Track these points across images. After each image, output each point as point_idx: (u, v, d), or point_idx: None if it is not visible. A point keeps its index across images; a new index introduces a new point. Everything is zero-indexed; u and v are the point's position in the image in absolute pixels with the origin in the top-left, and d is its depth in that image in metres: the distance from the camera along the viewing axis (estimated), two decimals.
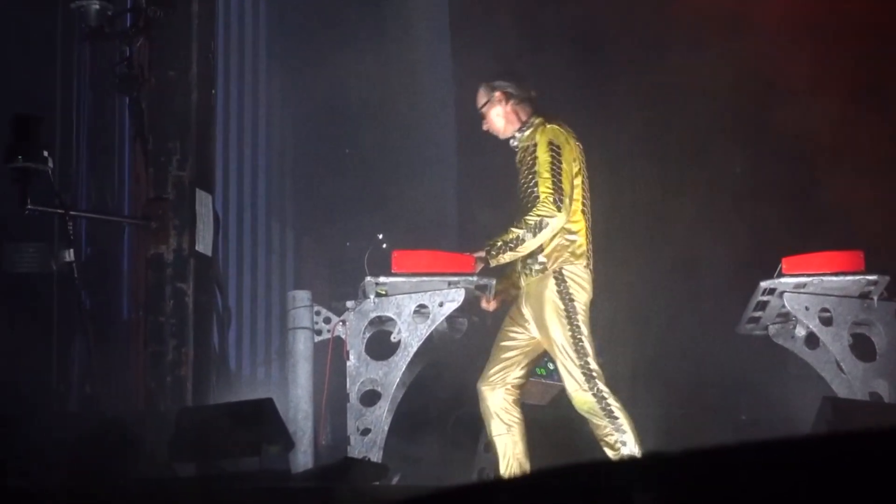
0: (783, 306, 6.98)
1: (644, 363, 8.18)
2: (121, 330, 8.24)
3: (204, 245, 7.44)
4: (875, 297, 6.91)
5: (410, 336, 6.83)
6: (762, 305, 7.11)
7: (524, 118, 6.60)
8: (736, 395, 8.26)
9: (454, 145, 10.03)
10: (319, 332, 7.13)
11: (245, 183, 10.84)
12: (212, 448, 6.15)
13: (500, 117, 6.64)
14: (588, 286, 6.44)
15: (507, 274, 6.73)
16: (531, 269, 6.48)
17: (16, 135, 6.90)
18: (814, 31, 8.68)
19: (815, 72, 8.65)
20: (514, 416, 6.51)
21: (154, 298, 7.32)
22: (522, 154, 6.54)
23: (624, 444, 6.25)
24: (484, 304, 6.82)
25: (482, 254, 6.55)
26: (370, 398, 6.81)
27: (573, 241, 6.44)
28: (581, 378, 6.30)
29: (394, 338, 6.86)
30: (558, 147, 6.43)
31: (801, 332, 7.09)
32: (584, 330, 6.35)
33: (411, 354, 6.83)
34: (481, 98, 6.70)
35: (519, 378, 6.55)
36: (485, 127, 6.71)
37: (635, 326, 8.60)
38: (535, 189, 6.38)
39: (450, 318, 6.99)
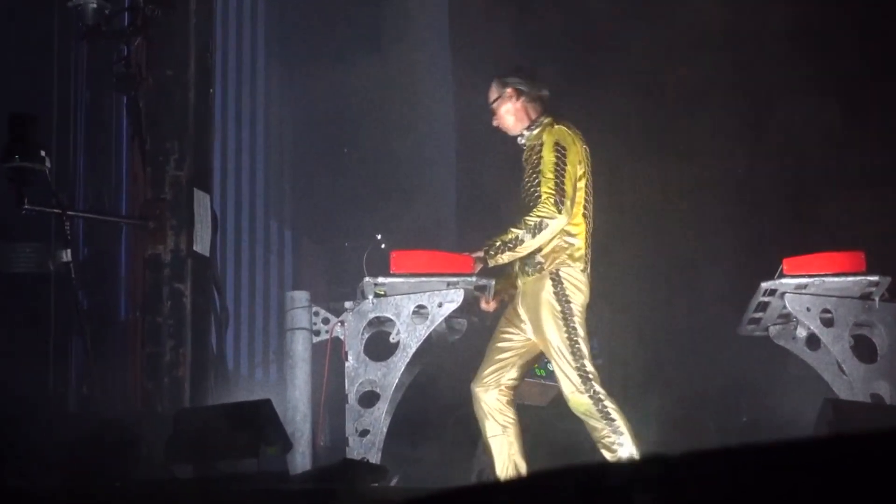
0: (784, 307, 6.96)
1: (644, 364, 8.17)
2: (118, 331, 8.22)
3: (202, 245, 7.43)
4: (876, 298, 6.89)
5: (409, 337, 6.82)
6: (763, 306, 7.09)
7: (533, 116, 6.58)
8: (736, 396, 8.25)
9: (453, 145, 10.01)
10: (318, 333, 7.12)
11: (243, 183, 10.83)
12: (210, 449, 6.13)
13: (509, 114, 6.61)
14: (585, 289, 6.42)
15: (506, 274, 6.71)
16: (528, 269, 6.45)
17: (13, 134, 6.89)
18: (815, 33, 8.67)
19: (817, 72, 8.64)
20: (508, 416, 6.49)
21: (151, 299, 7.30)
22: (528, 153, 6.53)
23: (621, 445, 6.22)
24: (483, 305, 6.80)
25: (481, 254, 6.52)
26: (369, 399, 6.79)
27: (572, 244, 6.42)
28: (577, 380, 6.28)
29: (392, 338, 6.84)
30: (564, 148, 6.40)
31: (802, 333, 7.07)
32: (581, 332, 6.33)
33: (410, 355, 6.81)
34: (493, 93, 6.67)
35: (513, 379, 6.52)
36: (494, 123, 6.68)
37: (636, 328, 8.58)
38: (538, 188, 6.36)
39: (449, 319, 6.96)
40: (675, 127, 9.07)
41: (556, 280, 6.38)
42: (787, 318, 7.11)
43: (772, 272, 6.98)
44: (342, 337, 6.89)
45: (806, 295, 6.90)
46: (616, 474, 2.07)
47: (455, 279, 6.78)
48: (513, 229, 6.38)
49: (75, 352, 7.96)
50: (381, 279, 6.82)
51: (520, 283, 6.52)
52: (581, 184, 6.44)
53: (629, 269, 8.52)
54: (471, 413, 6.70)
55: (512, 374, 6.51)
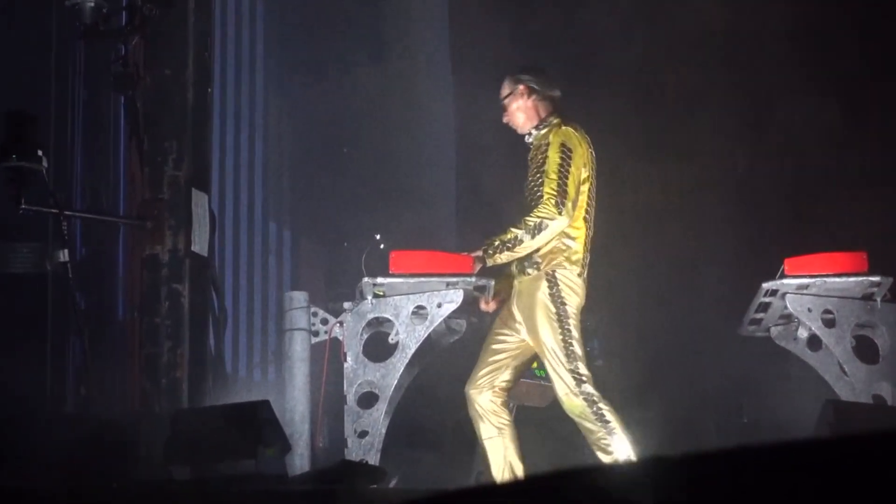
0: (785, 308, 6.94)
1: (644, 365, 8.15)
2: (116, 331, 8.21)
3: (200, 245, 7.40)
4: (878, 299, 6.87)
5: (408, 337, 6.79)
6: (764, 307, 7.07)
7: (543, 116, 6.56)
8: (737, 397, 8.24)
9: (453, 145, 9.99)
10: (316, 334, 7.10)
11: (242, 183, 10.82)
12: (208, 450, 6.11)
13: (520, 111, 6.60)
14: (580, 292, 6.40)
15: (505, 274, 6.69)
16: (525, 269, 6.44)
17: (10, 134, 6.87)
18: (815, 33, 8.66)
19: (817, 72, 8.63)
20: (503, 418, 6.47)
21: (149, 299, 7.28)
22: (534, 152, 6.51)
23: (617, 447, 6.20)
24: (483, 305, 6.79)
25: (479, 253, 6.50)
26: (368, 400, 6.77)
27: (570, 248, 6.40)
28: (571, 382, 6.26)
29: (391, 339, 6.83)
30: (570, 150, 6.39)
31: (803, 333, 7.05)
32: (575, 334, 6.31)
33: (409, 356, 6.79)
34: (505, 89, 6.66)
35: (507, 381, 6.51)
36: (505, 119, 6.67)
37: (636, 328, 8.57)
38: (541, 188, 6.34)
39: (448, 319, 6.94)
40: (675, 127, 9.06)
41: (552, 281, 6.36)
42: (788, 318, 7.09)
43: (773, 272, 6.95)
44: (341, 338, 6.87)
45: (807, 295, 6.88)
46: (617, 476, 2.06)
47: (454, 279, 6.76)
48: (512, 229, 6.37)
49: (73, 352, 7.94)
50: (379, 279, 6.80)
51: (516, 282, 6.50)
52: (584, 187, 6.42)
53: (629, 269, 8.50)
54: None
55: (506, 376, 6.49)
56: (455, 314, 6.91)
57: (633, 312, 8.56)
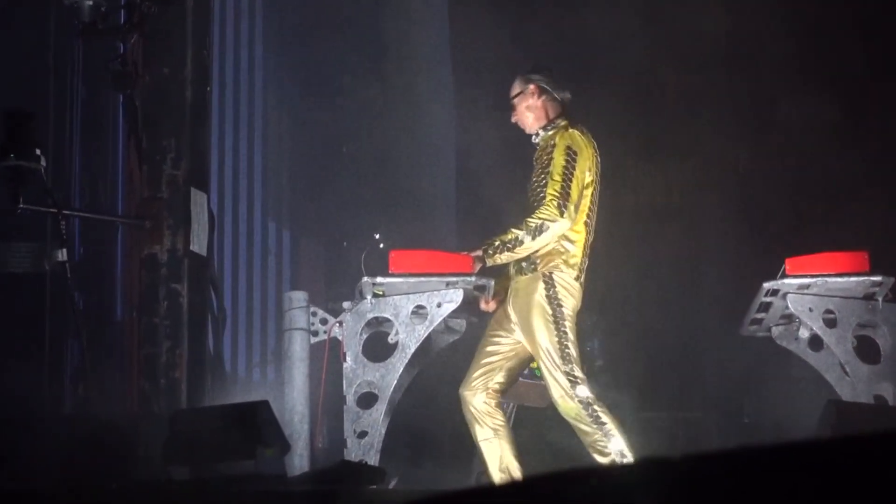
0: (786, 307, 6.92)
1: (645, 365, 8.14)
2: (114, 331, 8.20)
3: (199, 245, 7.38)
4: (880, 299, 6.85)
5: (408, 337, 6.78)
6: (765, 307, 7.05)
7: (552, 117, 6.54)
8: (738, 397, 8.22)
9: (453, 144, 9.97)
10: (316, 334, 7.08)
11: (241, 182, 10.80)
12: (207, 451, 6.09)
13: (529, 111, 6.58)
14: (577, 295, 6.38)
15: (505, 274, 6.67)
16: (522, 269, 6.42)
17: (8, 132, 6.84)
18: (815, 33, 8.65)
19: (819, 70, 8.62)
20: (497, 419, 6.46)
21: (148, 299, 7.26)
22: (540, 153, 6.50)
23: (614, 449, 6.17)
24: (483, 305, 6.77)
25: (479, 253, 6.48)
26: (367, 400, 6.76)
27: (568, 251, 6.38)
28: (566, 384, 6.24)
29: (391, 339, 6.81)
30: (575, 153, 6.37)
31: (804, 333, 7.03)
32: (571, 336, 6.29)
33: (409, 356, 6.78)
34: (515, 88, 6.64)
35: (501, 383, 6.49)
36: (513, 119, 6.65)
37: (637, 328, 8.55)
38: (544, 189, 6.32)
39: (448, 319, 6.92)
40: (675, 127, 9.05)
41: (549, 283, 6.34)
42: (789, 318, 7.07)
43: (774, 272, 6.94)
44: (340, 337, 6.85)
45: (808, 295, 6.87)
46: (617, 477, 2.05)
47: (454, 279, 6.74)
48: (513, 230, 6.35)
49: (71, 352, 7.92)
50: (379, 279, 6.78)
51: (512, 282, 6.48)
52: (588, 191, 6.40)
53: (630, 269, 8.49)
54: None
55: (499, 378, 6.48)
56: (455, 314, 6.90)
57: (634, 312, 8.55)
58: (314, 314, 7.10)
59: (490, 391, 6.46)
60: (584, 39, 9.10)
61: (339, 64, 10.00)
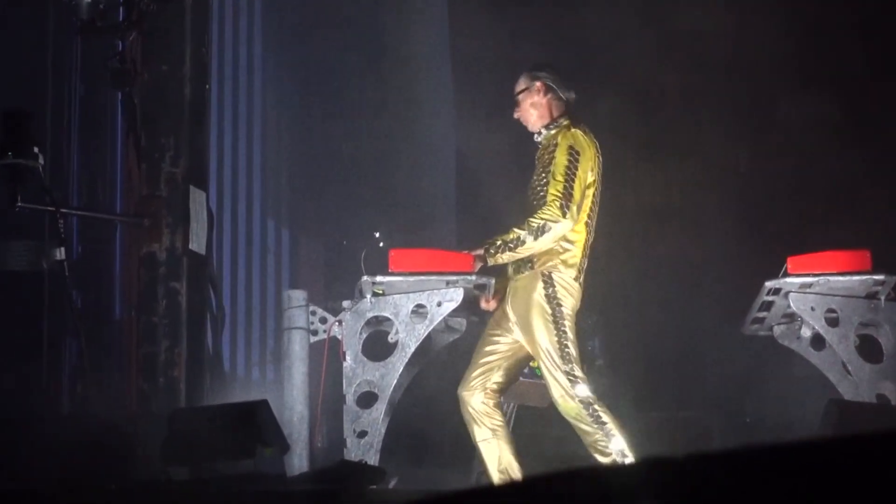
0: (788, 306, 6.90)
1: (646, 365, 8.12)
2: (113, 330, 8.18)
3: (198, 243, 7.36)
4: (882, 298, 6.84)
5: (408, 336, 6.76)
6: (767, 306, 7.04)
7: (555, 115, 6.51)
8: (740, 397, 8.20)
9: (453, 142, 9.95)
10: (315, 333, 7.06)
11: (240, 180, 10.78)
12: (206, 450, 6.07)
13: (533, 108, 6.54)
14: (576, 294, 6.36)
15: (504, 273, 6.65)
16: (520, 268, 6.40)
17: (6, 131, 6.83)
18: (816, 32, 8.63)
19: (819, 70, 8.60)
20: (496, 420, 6.43)
21: (147, 298, 7.23)
22: (542, 151, 6.46)
23: (615, 449, 6.15)
24: (483, 304, 6.75)
25: (480, 252, 6.46)
26: (367, 400, 6.74)
27: (567, 251, 6.34)
28: (566, 384, 6.21)
29: (391, 338, 6.79)
30: (578, 153, 6.34)
31: (806, 332, 7.01)
32: (570, 335, 6.26)
33: (409, 355, 6.76)
34: (521, 84, 6.60)
35: (499, 383, 6.46)
36: (516, 115, 6.61)
37: (637, 327, 8.53)
38: (546, 189, 6.28)
39: (448, 318, 6.90)
40: (675, 127, 9.03)
41: (549, 282, 6.31)
42: (791, 317, 7.05)
43: (775, 271, 6.92)
44: (340, 336, 6.83)
45: (810, 294, 6.85)
46: (618, 477, 2.04)
47: (454, 278, 6.72)
48: (515, 229, 6.32)
49: (69, 352, 7.90)
50: (379, 278, 6.76)
51: (511, 281, 6.45)
52: (589, 191, 6.37)
53: (631, 268, 8.47)
54: None
55: (498, 378, 6.45)
56: (455, 313, 6.88)
57: (634, 312, 8.53)
58: (313, 313, 7.08)
59: (488, 391, 6.43)
60: (583, 39, 9.08)
61: (338, 62, 9.98)
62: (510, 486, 2.53)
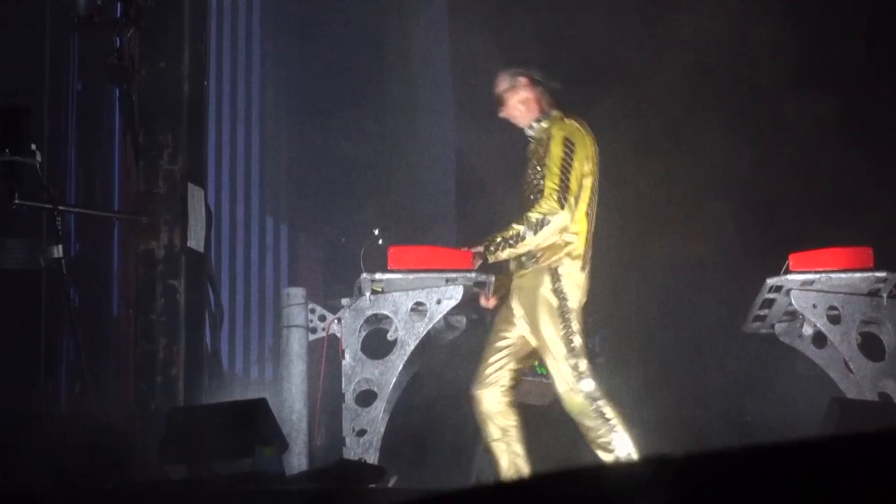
0: (790, 304, 6.89)
1: (647, 363, 8.09)
2: (110, 328, 8.15)
3: (196, 241, 7.35)
4: (884, 295, 6.83)
5: (407, 334, 6.74)
6: (768, 303, 7.02)
7: (545, 108, 6.47)
8: (741, 395, 8.18)
9: (452, 139, 9.92)
10: (314, 331, 7.05)
11: (238, 177, 10.76)
12: (204, 449, 6.07)
13: (521, 103, 6.50)
14: (583, 287, 6.33)
15: (505, 271, 6.63)
16: (523, 264, 6.36)
17: (3, 128, 6.82)
18: (820, 27, 8.62)
19: (819, 65, 8.59)
20: (509, 419, 6.39)
21: (144, 295, 7.22)
22: (535, 145, 6.43)
23: (618, 445, 6.12)
24: (483, 302, 6.74)
25: (480, 249, 6.43)
26: (366, 398, 6.72)
27: (570, 243, 6.32)
28: (571, 378, 6.19)
29: (390, 336, 6.78)
30: (573, 143, 6.31)
31: (808, 330, 6.99)
32: (576, 328, 6.24)
33: (408, 353, 6.75)
34: (503, 83, 6.55)
35: (512, 379, 6.42)
36: (502, 113, 6.57)
37: (638, 325, 8.51)
38: (542, 182, 6.25)
39: (447, 316, 6.88)
40: (677, 124, 9.00)
41: (555, 275, 6.28)
42: (792, 315, 7.04)
43: (777, 268, 6.90)
44: (339, 334, 6.82)
45: (812, 291, 6.83)
46: (619, 476, 2.02)
47: (454, 275, 6.71)
48: (514, 225, 6.28)
49: (67, 350, 7.88)
50: (378, 275, 6.75)
51: (514, 278, 6.42)
52: (587, 181, 6.33)
53: (631, 266, 8.45)
54: (470, 413, 6.62)
55: (510, 374, 6.41)
56: (455, 311, 6.86)
57: (635, 310, 8.51)
58: (312, 311, 7.07)
59: (503, 389, 6.39)
60: (583, 39, 9.05)
61: (336, 57, 9.95)
62: (509, 485, 2.50)
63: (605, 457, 6.15)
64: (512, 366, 6.43)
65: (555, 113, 6.45)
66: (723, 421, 7.91)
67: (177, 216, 7.26)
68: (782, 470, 1.87)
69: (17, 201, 6.86)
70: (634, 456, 6.14)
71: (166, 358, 7.13)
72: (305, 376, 7.08)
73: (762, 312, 7.10)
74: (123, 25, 7.40)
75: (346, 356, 6.76)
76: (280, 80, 10.82)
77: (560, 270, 6.29)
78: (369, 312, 6.79)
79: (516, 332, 6.41)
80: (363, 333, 6.82)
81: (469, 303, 6.83)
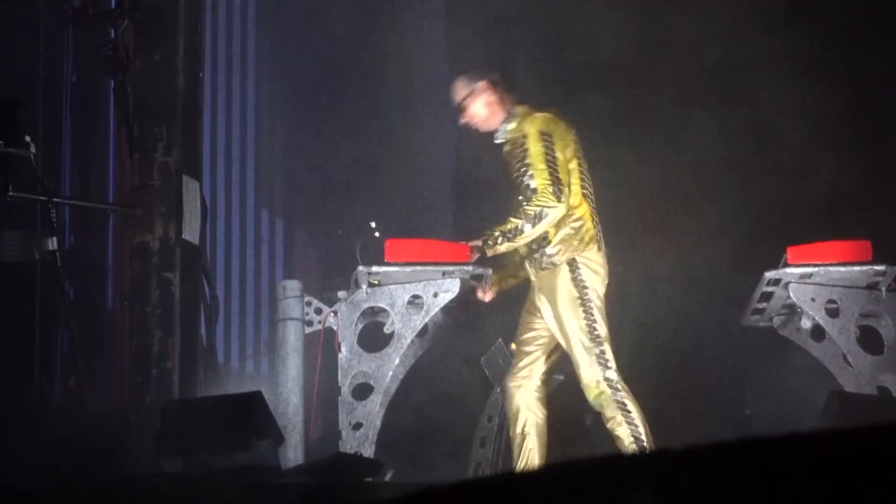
0: (788, 297, 6.89)
1: (645, 356, 8.07)
2: (105, 321, 8.12)
3: (191, 233, 7.32)
4: (883, 289, 6.84)
5: (404, 327, 6.74)
6: (767, 296, 7.02)
7: (509, 108, 6.46)
8: (740, 388, 8.18)
9: (449, 131, 9.90)
10: (310, 324, 7.05)
11: (233, 169, 10.73)
12: (199, 443, 6.05)
13: (484, 108, 6.50)
14: (602, 270, 6.38)
15: (503, 264, 6.63)
16: (541, 263, 6.36)
17: None
18: (820, 23, 8.61)
19: (818, 57, 8.58)
20: (538, 415, 6.41)
21: (139, 288, 7.20)
22: (511, 147, 6.43)
23: (636, 437, 6.14)
24: (480, 295, 6.74)
25: (478, 243, 6.43)
26: (362, 392, 6.72)
27: (579, 227, 6.36)
28: (597, 368, 6.20)
29: (387, 329, 6.78)
30: (550, 135, 6.32)
31: (806, 323, 6.99)
32: (599, 317, 6.26)
33: (405, 346, 6.74)
34: (461, 90, 6.56)
35: (545, 373, 6.43)
36: (463, 121, 6.58)
37: (636, 319, 8.49)
38: (530, 181, 6.25)
39: (444, 309, 6.86)
40: (676, 121, 8.99)
41: (574, 266, 6.33)
42: (791, 308, 7.05)
43: (776, 261, 6.89)
44: (335, 327, 6.81)
45: (810, 285, 6.84)
46: (618, 468, 2.02)
47: (451, 268, 6.71)
48: (512, 219, 6.30)
49: (61, 343, 7.86)
50: (374, 268, 6.74)
51: (533, 278, 6.43)
52: (573, 166, 6.36)
53: (631, 263, 8.43)
54: (467, 406, 6.61)
55: (543, 368, 6.45)
56: (452, 304, 6.85)
57: (635, 304, 8.49)
58: (308, 304, 7.07)
59: (538, 383, 6.40)
60: (582, 39, 9.03)
61: (334, 49, 9.92)
62: (507, 477, 2.49)
63: (622, 447, 6.17)
64: (543, 359, 6.43)
65: (520, 109, 6.45)
66: (721, 414, 7.91)
67: (172, 208, 7.24)
68: (781, 463, 1.87)
69: (11, 193, 6.85)
70: (648, 448, 6.16)
71: (161, 351, 7.11)
72: (301, 369, 7.07)
73: (761, 306, 7.10)
74: (118, 17, 7.38)
75: (343, 349, 6.76)
76: (276, 71, 10.79)
77: (578, 260, 6.31)
78: (366, 305, 6.79)
79: (544, 326, 6.40)
80: (359, 326, 6.82)
81: (466, 296, 6.81)
